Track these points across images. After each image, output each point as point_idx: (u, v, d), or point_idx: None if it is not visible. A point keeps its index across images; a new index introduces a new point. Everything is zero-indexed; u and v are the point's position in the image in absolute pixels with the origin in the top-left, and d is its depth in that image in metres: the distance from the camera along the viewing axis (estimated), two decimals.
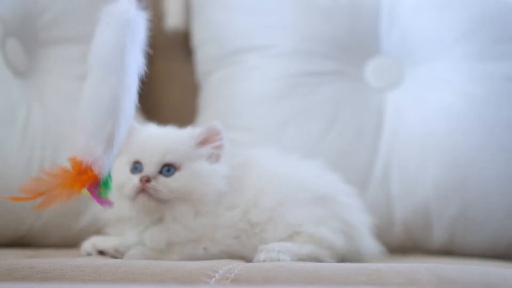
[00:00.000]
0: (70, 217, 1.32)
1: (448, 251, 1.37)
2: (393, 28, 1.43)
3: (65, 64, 1.40)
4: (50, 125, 1.33)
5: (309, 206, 1.08)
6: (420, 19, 1.42)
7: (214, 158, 1.07)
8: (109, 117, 0.88)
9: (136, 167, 1.06)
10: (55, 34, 1.40)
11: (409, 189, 1.36)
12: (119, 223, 1.09)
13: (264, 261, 1.00)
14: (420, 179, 1.36)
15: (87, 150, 0.89)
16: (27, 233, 1.30)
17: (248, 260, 1.03)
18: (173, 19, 1.53)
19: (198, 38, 1.50)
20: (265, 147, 1.18)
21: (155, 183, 1.03)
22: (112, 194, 1.07)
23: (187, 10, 1.52)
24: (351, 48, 1.42)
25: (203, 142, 1.07)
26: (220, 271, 0.87)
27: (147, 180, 1.03)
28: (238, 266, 0.90)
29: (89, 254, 1.09)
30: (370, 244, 1.15)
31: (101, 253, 1.09)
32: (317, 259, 1.05)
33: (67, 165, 0.91)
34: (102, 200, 0.92)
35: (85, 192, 0.92)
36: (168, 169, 1.05)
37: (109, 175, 0.92)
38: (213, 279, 0.86)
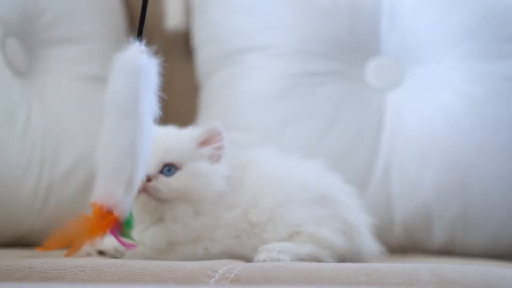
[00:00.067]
0: (70, 217, 1.32)
1: (448, 251, 1.37)
2: (394, 28, 1.43)
3: (65, 64, 1.40)
4: (50, 125, 1.33)
5: (309, 206, 1.08)
6: (421, 19, 1.42)
7: (215, 158, 1.07)
8: (128, 161, 0.90)
9: None
10: (55, 34, 1.40)
11: (409, 189, 1.36)
12: None
13: (264, 261, 1.00)
14: (420, 179, 1.36)
15: (107, 194, 0.91)
16: (27, 233, 1.30)
17: (248, 260, 1.03)
18: (173, 19, 1.53)
19: (199, 38, 1.50)
20: (265, 147, 1.18)
21: (156, 182, 1.03)
22: None
23: (187, 10, 1.52)
24: (351, 48, 1.42)
25: (204, 143, 1.07)
26: (220, 271, 0.87)
27: (148, 179, 1.03)
28: (238, 266, 0.90)
29: (88, 255, 1.09)
30: (370, 244, 1.14)
31: (101, 253, 1.09)
32: (317, 259, 1.05)
33: (89, 212, 0.93)
34: (126, 242, 0.93)
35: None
36: (169, 168, 1.05)
37: (131, 215, 0.94)
38: (213, 279, 0.86)
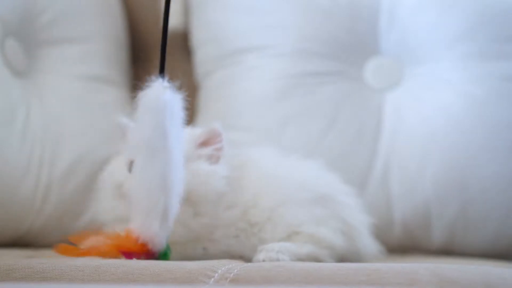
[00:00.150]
0: (69, 217, 1.32)
1: (448, 251, 1.37)
2: (393, 28, 1.43)
3: (64, 64, 1.40)
4: (49, 125, 1.33)
5: (309, 206, 1.08)
6: (420, 19, 1.42)
7: (214, 159, 1.07)
8: (161, 195, 0.93)
9: None
10: (54, 34, 1.40)
11: (408, 189, 1.36)
12: (117, 223, 1.08)
13: (263, 261, 1.00)
14: (419, 179, 1.36)
15: (143, 228, 0.94)
16: (26, 233, 1.30)
17: (248, 260, 1.03)
18: (172, 19, 1.53)
19: (198, 38, 1.50)
20: (265, 147, 1.18)
21: None
22: (109, 194, 1.08)
23: (186, 10, 1.52)
24: (351, 48, 1.42)
25: (203, 143, 1.07)
26: (219, 271, 0.87)
27: None
28: (237, 266, 0.90)
29: None
30: (369, 244, 1.14)
31: None
32: (317, 259, 1.05)
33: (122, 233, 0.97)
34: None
35: None
36: None
37: (168, 247, 0.97)
38: (212, 279, 0.85)
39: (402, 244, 1.37)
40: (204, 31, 1.49)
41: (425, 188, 1.35)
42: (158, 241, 0.94)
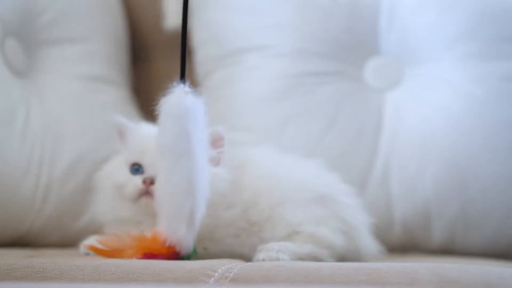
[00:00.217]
0: (69, 217, 1.32)
1: (447, 250, 1.37)
2: (393, 28, 1.43)
3: (65, 64, 1.40)
4: (50, 125, 1.33)
5: (309, 206, 1.08)
6: (420, 19, 1.42)
7: (216, 161, 1.07)
8: (186, 199, 0.94)
9: (136, 168, 1.06)
10: (54, 34, 1.40)
11: (408, 189, 1.36)
12: (118, 223, 1.08)
13: (263, 260, 1.00)
14: (419, 178, 1.36)
15: (170, 231, 0.95)
16: (26, 233, 1.30)
17: (248, 259, 1.03)
18: (172, 19, 1.53)
19: (198, 38, 1.50)
20: (264, 147, 1.18)
21: None
22: (109, 195, 1.08)
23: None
24: (351, 48, 1.42)
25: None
26: (220, 271, 0.87)
27: (151, 182, 1.03)
28: (237, 265, 0.90)
29: (87, 254, 1.09)
30: (369, 243, 1.15)
31: None
32: (317, 259, 1.05)
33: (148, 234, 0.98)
34: None
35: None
36: None
37: (195, 250, 0.98)
38: (213, 279, 0.86)
39: (402, 244, 1.37)
40: (204, 31, 1.49)
41: (425, 188, 1.35)
42: (186, 244, 0.95)
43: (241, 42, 1.45)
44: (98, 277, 0.86)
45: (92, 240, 1.09)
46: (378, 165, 1.38)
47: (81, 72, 1.42)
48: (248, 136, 1.38)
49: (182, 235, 0.95)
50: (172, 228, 0.95)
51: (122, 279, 0.86)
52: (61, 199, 1.32)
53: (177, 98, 0.94)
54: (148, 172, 1.05)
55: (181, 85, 0.95)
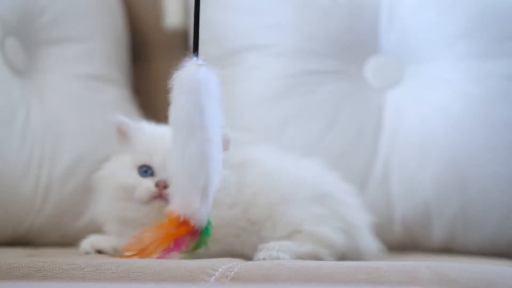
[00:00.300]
0: (70, 216, 1.32)
1: (448, 249, 1.37)
2: (393, 27, 1.43)
3: (64, 64, 1.40)
4: (49, 124, 1.33)
5: (309, 205, 1.08)
6: (420, 18, 1.42)
7: (224, 163, 1.06)
8: (200, 172, 0.93)
9: (145, 170, 1.05)
10: (54, 33, 1.40)
11: (409, 188, 1.36)
12: (119, 224, 1.08)
13: (264, 259, 1.00)
14: (419, 177, 1.36)
15: (184, 205, 0.94)
16: (27, 232, 1.30)
17: (248, 258, 1.03)
18: (172, 19, 1.53)
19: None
20: (264, 146, 1.18)
21: None
22: (112, 195, 1.07)
23: (186, 10, 1.52)
24: (351, 47, 1.42)
25: None
26: (220, 270, 0.87)
27: (164, 186, 1.03)
28: (237, 264, 0.90)
29: (87, 253, 1.09)
30: (369, 242, 1.15)
31: (100, 252, 1.09)
32: (317, 258, 1.05)
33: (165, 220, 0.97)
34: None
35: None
36: None
37: (209, 223, 0.97)
38: (213, 278, 0.85)
39: (403, 243, 1.37)
40: (204, 31, 1.48)
41: (425, 187, 1.35)
42: (200, 217, 0.94)
43: (241, 41, 1.45)
44: (98, 276, 0.86)
45: (92, 240, 1.09)
46: (378, 165, 1.38)
47: (81, 72, 1.42)
48: (248, 136, 1.38)
49: (196, 208, 0.94)
50: (186, 202, 0.94)
51: (123, 278, 0.85)
52: (61, 199, 1.32)
53: (190, 71, 0.94)
54: (159, 175, 1.04)
55: (194, 58, 0.94)
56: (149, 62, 1.58)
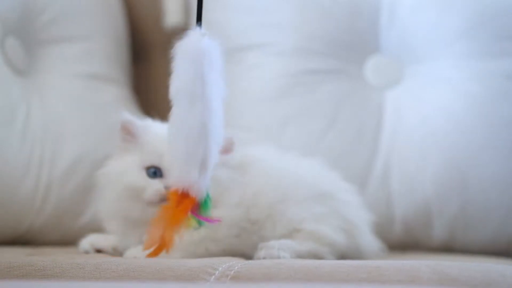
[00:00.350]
0: (70, 216, 1.32)
1: (448, 248, 1.37)
2: (393, 26, 1.43)
3: (65, 63, 1.40)
4: (49, 124, 1.33)
5: (309, 204, 1.08)
6: (420, 17, 1.42)
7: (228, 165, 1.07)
8: (199, 142, 0.91)
9: (154, 171, 1.05)
10: (55, 33, 1.40)
11: (409, 188, 1.36)
12: (122, 222, 1.08)
13: (264, 258, 1.00)
14: (420, 177, 1.36)
15: (182, 177, 0.91)
16: (27, 231, 1.30)
17: (248, 257, 1.03)
18: (172, 18, 1.53)
19: None
20: (264, 145, 1.18)
21: None
22: (117, 194, 1.06)
23: (187, 9, 1.52)
24: (351, 46, 1.42)
25: (222, 151, 1.05)
26: (220, 269, 0.87)
27: None
28: (238, 263, 0.90)
29: (86, 252, 1.09)
30: (370, 241, 1.15)
31: (99, 251, 1.09)
32: (317, 256, 1.05)
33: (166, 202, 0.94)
34: (210, 218, 0.94)
35: (192, 218, 0.94)
36: None
37: (208, 196, 0.94)
38: (213, 277, 0.85)
39: (403, 242, 1.37)
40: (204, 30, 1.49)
41: (425, 187, 1.35)
42: (198, 188, 0.91)
43: (241, 41, 1.45)
44: (98, 275, 0.86)
45: (92, 239, 1.09)
46: (378, 164, 1.38)
47: (81, 71, 1.42)
48: (248, 135, 1.38)
49: (194, 180, 0.91)
50: (184, 173, 0.91)
51: (123, 277, 0.85)
52: (61, 199, 1.32)
53: (192, 41, 0.92)
54: (169, 176, 1.04)
55: (197, 28, 0.92)
56: (149, 62, 1.58)
